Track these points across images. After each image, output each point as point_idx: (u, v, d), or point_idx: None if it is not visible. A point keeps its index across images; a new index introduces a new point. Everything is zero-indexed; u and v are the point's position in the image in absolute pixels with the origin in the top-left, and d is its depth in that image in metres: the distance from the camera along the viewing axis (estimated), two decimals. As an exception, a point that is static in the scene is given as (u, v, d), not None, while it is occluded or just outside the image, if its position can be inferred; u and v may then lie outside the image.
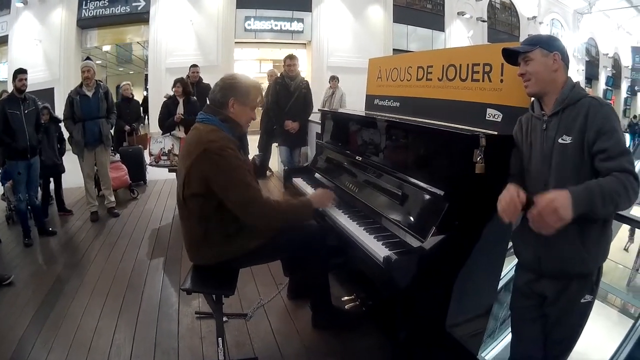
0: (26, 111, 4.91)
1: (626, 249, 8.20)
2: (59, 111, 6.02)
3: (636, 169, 1.71)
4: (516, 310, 2.20)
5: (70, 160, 6.22)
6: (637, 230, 6.69)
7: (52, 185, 6.18)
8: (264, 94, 2.62)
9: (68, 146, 6.02)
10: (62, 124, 5.91)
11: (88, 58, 6.79)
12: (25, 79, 4.91)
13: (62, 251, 4.88)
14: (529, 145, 2.00)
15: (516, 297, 2.19)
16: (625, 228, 5.34)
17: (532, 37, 2.03)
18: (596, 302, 2.01)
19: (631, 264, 7.84)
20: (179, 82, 6.06)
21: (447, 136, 2.37)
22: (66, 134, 5.98)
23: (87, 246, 4.90)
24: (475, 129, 2.27)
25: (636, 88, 28.42)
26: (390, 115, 3.29)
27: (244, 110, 2.55)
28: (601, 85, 27.26)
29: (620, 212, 1.97)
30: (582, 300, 1.93)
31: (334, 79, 10.00)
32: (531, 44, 1.95)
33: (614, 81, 27.77)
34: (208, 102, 2.65)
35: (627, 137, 20.49)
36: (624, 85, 29.08)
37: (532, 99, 2.03)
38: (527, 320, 2.12)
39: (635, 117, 24.31)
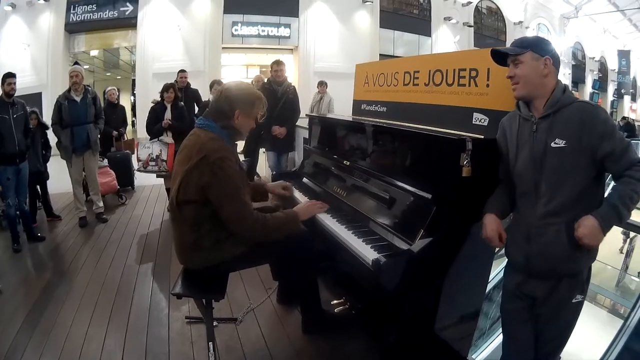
0: (15, 116, 4.87)
1: (620, 250, 8.32)
2: (47, 116, 5.97)
3: None
4: (507, 312, 2.21)
5: (57, 166, 6.17)
6: (630, 232, 6.77)
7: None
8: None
9: (54, 152, 5.96)
10: (48, 130, 5.88)
11: (76, 63, 6.76)
12: (14, 83, 4.86)
13: (51, 257, 4.84)
14: (515, 147, 2.00)
15: (506, 299, 2.19)
16: (617, 230, 5.42)
17: (523, 39, 2.00)
18: (586, 302, 2.03)
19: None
20: (171, 87, 6.01)
21: (434, 140, 2.40)
22: (52, 140, 5.92)
23: (76, 252, 4.86)
24: (462, 133, 2.30)
25: (622, 91, 28.75)
26: (378, 120, 3.32)
27: (248, 121, 2.61)
28: (588, 88, 27.42)
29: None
30: (574, 300, 1.95)
31: (322, 84, 10.02)
32: (522, 46, 1.92)
33: (600, 84, 27.99)
34: (208, 109, 2.67)
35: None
36: (611, 88, 29.34)
37: None
38: (518, 322, 2.12)
39: (622, 119, 24.52)
